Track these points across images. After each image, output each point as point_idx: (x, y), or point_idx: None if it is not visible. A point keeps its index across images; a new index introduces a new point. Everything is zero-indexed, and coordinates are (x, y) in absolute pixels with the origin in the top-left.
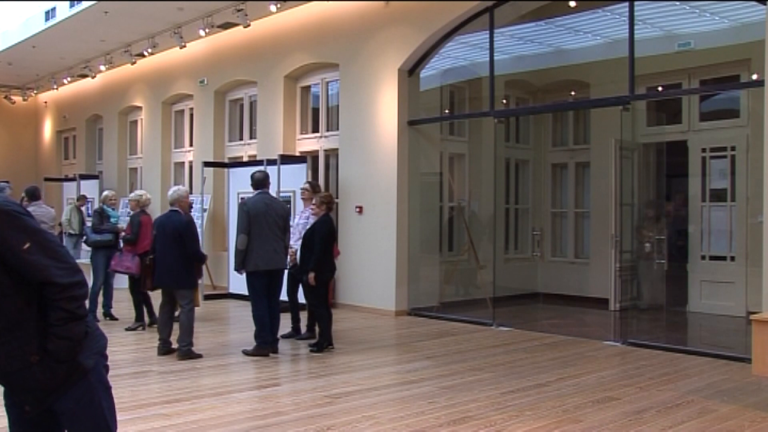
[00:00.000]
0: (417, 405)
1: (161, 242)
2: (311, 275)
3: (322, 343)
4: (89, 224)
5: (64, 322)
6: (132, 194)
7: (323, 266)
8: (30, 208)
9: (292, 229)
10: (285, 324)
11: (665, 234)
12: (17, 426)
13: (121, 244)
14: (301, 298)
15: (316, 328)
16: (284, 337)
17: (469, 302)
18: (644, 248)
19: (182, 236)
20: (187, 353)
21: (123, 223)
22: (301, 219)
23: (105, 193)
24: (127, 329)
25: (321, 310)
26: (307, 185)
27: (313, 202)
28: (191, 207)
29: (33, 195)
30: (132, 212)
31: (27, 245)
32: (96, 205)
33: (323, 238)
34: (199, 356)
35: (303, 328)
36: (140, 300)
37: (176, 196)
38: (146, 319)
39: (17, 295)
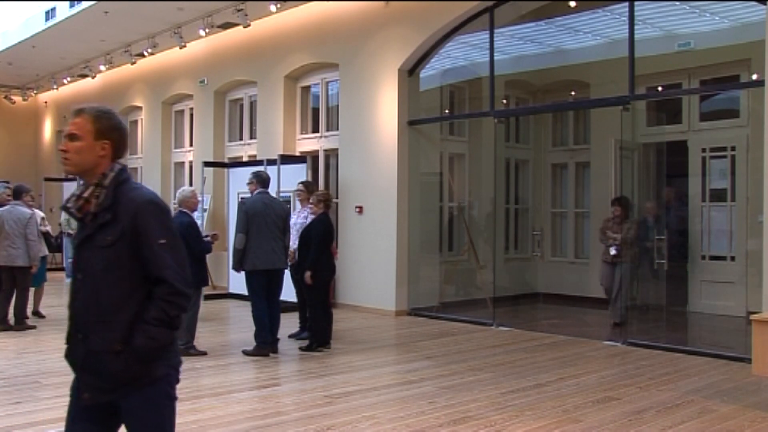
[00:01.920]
0: (417, 405)
1: None
2: (307, 274)
3: (312, 344)
4: None
5: (158, 324)
6: None
7: (321, 265)
8: (7, 206)
9: (293, 229)
10: (286, 324)
11: (660, 234)
12: (73, 413)
13: None
14: (293, 297)
15: None
16: (291, 336)
17: (469, 302)
18: (609, 251)
19: (184, 238)
20: (185, 351)
21: None
22: (299, 218)
23: None
24: None
25: (317, 311)
26: (301, 186)
27: (311, 201)
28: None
29: (16, 194)
30: None
31: (163, 241)
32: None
33: (320, 238)
34: (204, 353)
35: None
36: None
37: (181, 197)
38: None
39: (132, 283)
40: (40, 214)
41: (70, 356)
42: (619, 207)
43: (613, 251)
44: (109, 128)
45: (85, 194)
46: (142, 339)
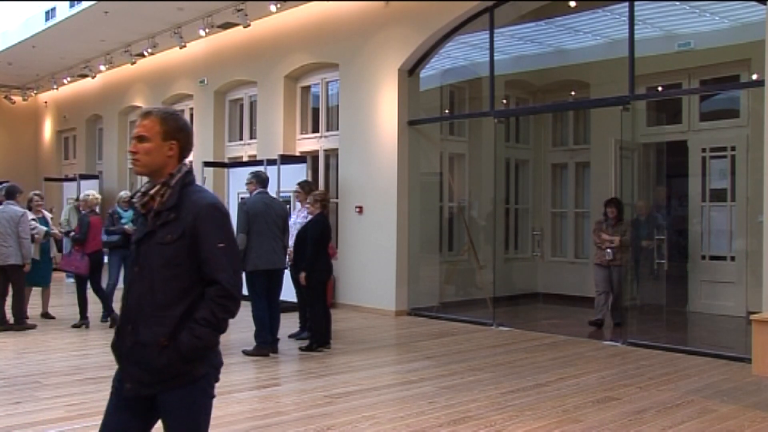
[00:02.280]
0: (417, 405)
1: None
2: (302, 275)
3: (312, 344)
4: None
5: (205, 324)
6: (81, 195)
7: (317, 266)
8: (0, 206)
9: (290, 229)
10: (286, 324)
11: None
12: (114, 403)
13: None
14: (292, 297)
15: None
16: (291, 336)
17: (469, 302)
18: (604, 254)
19: None
20: None
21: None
22: (299, 218)
23: (120, 194)
24: (74, 326)
25: (315, 310)
26: (297, 187)
27: (308, 200)
28: None
29: (10, 194)
30: (82, 212)
31: (222, 245)
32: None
33: (315, 239)
34: None
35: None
36: (85, 298)
37: None
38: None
39: (186, 282)
40: (49, 215)
41: (116, 346)
42: (615, 209)
43: (609, 255)
44: (175, 129)
45: (151, 192)
46: (188, 337)
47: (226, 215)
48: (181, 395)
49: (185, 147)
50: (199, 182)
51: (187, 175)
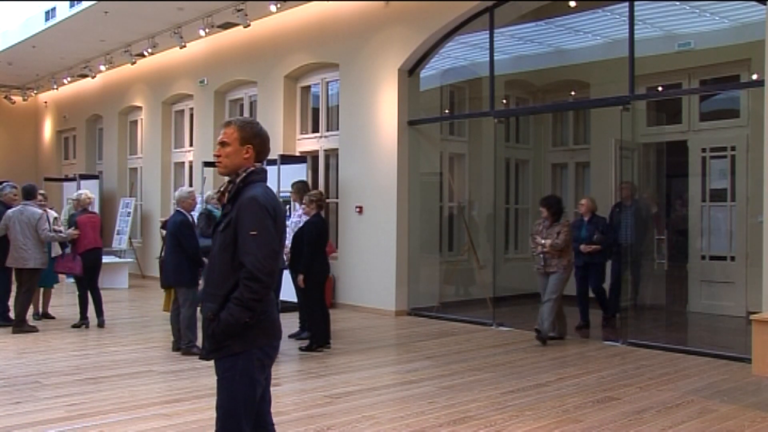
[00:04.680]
0: (417, 405)
1: (166, 242)
2: (300, 278)
3: (312, 344)
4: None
5: (237, 303)
6: (74, 194)
7: (314, 268)
8: (18, 207)
9: (288, 229)
10: (286, 324)
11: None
12: None
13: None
14: (293, 297)
15: None
16: (291, 336)
17: (469, 302)
18: (539, 260)
19: (176, 236)
20: (188, 351)
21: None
22: (295, 218)
23: (208, 193)
24: (73, 326)
25: (314, 311)
26: (293, 188)
27: (303, 201)
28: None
29: (28, 194)
30: (74, 212)
31: (254, 232)
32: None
33: (311, 241)
34: None
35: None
36: (85, 299)
37: (178, 196)
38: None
39: (231, 265)
40: (53, 214)
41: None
42: (545, 209)
43: (540, 261)
44: (251, 135)
45: (223, 188)
46: (225, 313)
47: (263, 207)
48: (223, 366)
49: (260, 151)
50: (198, 182)
51: (251, 174)
